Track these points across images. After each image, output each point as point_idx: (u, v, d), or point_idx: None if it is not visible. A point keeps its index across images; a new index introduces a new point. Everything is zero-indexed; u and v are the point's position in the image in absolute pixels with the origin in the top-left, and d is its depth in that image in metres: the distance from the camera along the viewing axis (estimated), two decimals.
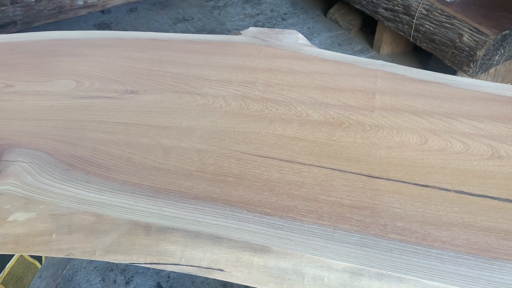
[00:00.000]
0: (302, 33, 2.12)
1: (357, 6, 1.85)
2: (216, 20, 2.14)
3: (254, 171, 0.60)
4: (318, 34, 2.05)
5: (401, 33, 1.68)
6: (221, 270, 0.52)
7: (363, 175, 0.60)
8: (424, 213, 0.55)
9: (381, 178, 0.59)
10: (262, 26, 2.12)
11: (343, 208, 0.55)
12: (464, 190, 0.57)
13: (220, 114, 0.69)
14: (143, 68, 0.79)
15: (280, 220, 0.54)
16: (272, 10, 2.23)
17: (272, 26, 2.11)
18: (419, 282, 0.48)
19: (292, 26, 2.11)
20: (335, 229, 0.53)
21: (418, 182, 0.58)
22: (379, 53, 1.91)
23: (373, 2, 1.74)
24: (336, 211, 0.55)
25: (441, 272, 0.48)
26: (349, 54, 1.89)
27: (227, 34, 2.08)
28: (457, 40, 1.44)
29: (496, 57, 1.44)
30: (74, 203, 0.55)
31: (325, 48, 1.94)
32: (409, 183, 0.58)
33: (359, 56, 1.90)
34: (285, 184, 0.58)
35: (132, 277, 1.05)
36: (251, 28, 0.91)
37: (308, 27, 2.11)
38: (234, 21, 2.15)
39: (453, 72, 1.50)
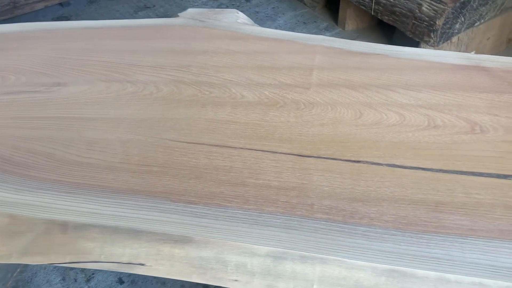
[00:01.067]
0: (266, 14, 2.07)
1: None
2: (179, 6, 2.09)
3: (181, 158, 0.57)
4: (283, 13, 2.01)
5: (363, 7, 1.64)
6: (142, 264, 0.50)
7: (294, 154, 0.57)
8: (353, 190, 0.53)
9: (311, 157, 0.57)
10: (227, 7, 2.07)
11: (270, 190, 0.53)
12: (397, 163, 0.56)
13: (150, 101, 0.66)
14: (74, 58, 0.76)
15: (204, 208, 0.51)
16: None
17: (236, 8, 2.06)
18: (342, 262, 0.46)
19: (256, 6, 2.06)
20: (260, 213, 0.51)
21: (349, 158, 0.56)
22: (344, 29, 1.87)
23: None
24: (262, 194, 0.53)
25: (366, 250, 0.47)
26: (314, 32, 1.86)
27: None
28: (416, 11, 1.41)
29: (457, 26, 1.42)
30: None
31: (290, 28, 1.90)
32: (340, 159, 0.56)
33: (324, 34, 1.86)
34: (213, 170, 0.56)
35: (93, 274, 1.02)
36: (189, 10, 0.88)
37: (273, 7, 2.07)
38: (197, 5, 2.10)
39: (416, 44, 1.48)
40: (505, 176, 0.53)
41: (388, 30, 1.81)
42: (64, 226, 0.50)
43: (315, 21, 1.94)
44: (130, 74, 0.72)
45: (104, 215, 0.51)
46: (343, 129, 0.61)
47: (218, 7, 2.09)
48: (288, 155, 0.57)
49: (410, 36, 1.48)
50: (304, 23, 1.94)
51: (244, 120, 0.63)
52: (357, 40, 1.62)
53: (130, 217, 0.51)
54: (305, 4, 2.04)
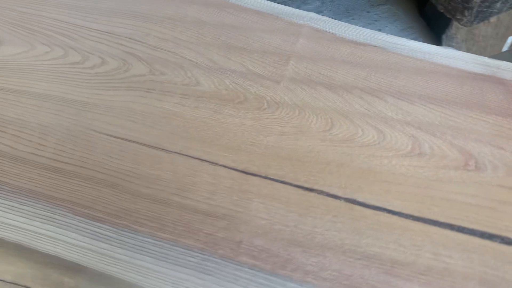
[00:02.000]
0: None
1: None
2: None
3: (102, 158, 0.48)
4: None
5: None
6: (28, 287, 0.42)
7: (237, 170, 0.47)
8: (296, 229, 0.42)
9: (257, 176, 0.46)
10: None
11: (196, 215, 0.43)
12: (358, 199, 0.45)
13: (88, 77, 0.56)
14: (17, 10, 0.65)
15: (109, 229, 0.42)
16: None
17: None
18: None
19: None
20: (173, 245, 0.41)
21: (302, 184, 0.46)
22: None
23: None
24: (184, 220, 0.43)
25: None
26: None
27: None
28: None
29: (498, 4, 1.22)
30: None
31: None
32: (291, 184, 0.46)
33: None
34: (135, 177, 0.46)
35: None
36: None
37: None
38: None
39: (448, 22, 1.30)
40: (491, 237, 0.42)
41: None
42: None
43: None
44: (77, 38, 0.61)
45: None
46: (306, 142, 0.49)
47: None
48: (230, 170, 0.47)
49: (441, 10, 1.29)
50: None
51: (190, 115, 0.52)
52: (381, 7, 1.45)
53: (21, 228, 0.42)
54: None
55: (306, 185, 0.46)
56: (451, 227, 0.43)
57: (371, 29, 1.46)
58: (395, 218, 0.43)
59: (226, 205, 0.44)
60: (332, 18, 1.43)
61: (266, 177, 0.46)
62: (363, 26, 1.40)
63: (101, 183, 0.46)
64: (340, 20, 1.44)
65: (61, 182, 0.46)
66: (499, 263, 0.40)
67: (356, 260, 0.40)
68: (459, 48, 1.37)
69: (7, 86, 0.55)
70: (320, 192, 0.45)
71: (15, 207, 0.44)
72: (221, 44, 0.61)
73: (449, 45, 1.38)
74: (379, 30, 1.53)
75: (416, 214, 0.44)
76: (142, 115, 0.52)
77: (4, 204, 0.44)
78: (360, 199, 0.45)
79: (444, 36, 1.36)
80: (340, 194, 0.45)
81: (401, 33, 1.50)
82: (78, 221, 0.43)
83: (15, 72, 0.56)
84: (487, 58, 0.58)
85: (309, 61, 0.58)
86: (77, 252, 0.41)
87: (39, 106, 0.52)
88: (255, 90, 0.55)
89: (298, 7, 1.60)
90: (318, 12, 1.60)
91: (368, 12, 1.59)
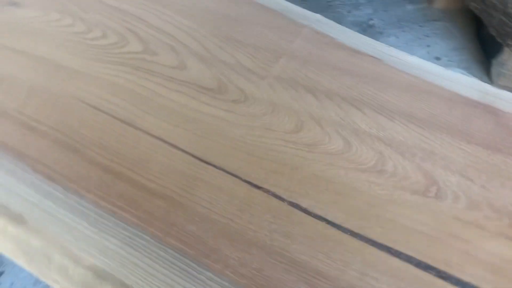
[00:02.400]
0: None
1: None
2: None
3: (72, 121, 0.50)
4: None
5: None
6: None
7: (194, 156, 0.48)
8: (231, 222, 0.43)
9: (211, 165, 0.47)
10: None
11: (141, 192, 0.45)
12: (302, 205, 0.44)
13: (85, 48, 0.59)
14: None
15: (59, 190, 0.45)
16: None
17: None
18: None
19: None
20: (111, 215, 0.43)
21: (251, 180, 0.46)
22: (431, 4, 1.61)
23: None
24: (129, 194, 0.45)
25: None
26: (397, 1, 1.62)
27: None
28: (509, 5, 1.15)
29: None
30: None
31: None
32: (241, 178, 0.46)
33: (405, 5, 1.62)
34: (98, 147, 0.48)
35: None
36: None
37: None
38: None
39: (499, 47, 1.22)
40: (427, 268, 0.40)
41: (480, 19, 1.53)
42: None
43: None
44: (88, 11, 0.64)
45: None
46: (270, 140, 0.49)
47: None
48: (187, 155, 0.48)
49: (493, 34, 1.22)
50: None
51: (168, 98, 0.53)
52: (437, 22, 1.39)
53: (6, 187, 0.46)
54: None
55: (255, 182, 0.46)
56: (388, 250, 0.41)
57: (419, 44, 1.41)
58: (333, 230, 0.42)
59: (172, 188, 0.45)
60: (381, 27, 1.40)
61: (219, 168, 0.47)
62: (411, 40, 1.36)
63: (66, 147, 0.48)
64: (388, 30, 1.41)
65: (31, 140, 0.49)
66: None
67: (280, 263, 0.40)
68: (509, 76, 1.29)
69: (13, 45, 0.59)
70: (267, 191, 0.45)
71: None
72: (220, 34, 0.61)
73: (499, 72, 1.29)
74: (428, 46, 1.47)
75: (356, 230, 0.42)
76: (123, 91, 0.54)
77: None
78: (303, 205, 0.44)
79: (494, 61, 1.28)
80: (285, 196, 0.45)
81: (451, 52, 1.43)
82: (35, 178, 0.46)
83: (25, 34, 0.60)
84: (489, 85, 0.55)
85: (300, 62, 0.58)
86: (25, 205, 0.44)
87: (35, 69, 0.56)
88: (238, 82, 0.55)
89: (348, 12, 1.58)
90: (368, 20, 1.56)
91: (420, 26, 1.53)
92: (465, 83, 0.55)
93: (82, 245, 0.41)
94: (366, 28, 1.53)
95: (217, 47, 0.59)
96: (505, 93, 0.54)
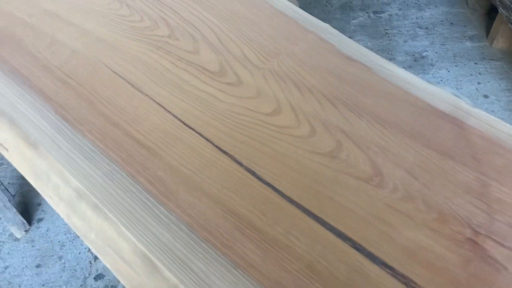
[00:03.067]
0: (419, 3, 1.85)
1: None
2: None
3: (95, 83, 0.62)
4: (435, 6, 1.78)
5: None
6: (7, 149, 0.57)
7: (180, 120, 0.57)
8: (193, 174, 0.51)
9: (192, 129, 0.56)
10: None
11: (130, 140, 0.55)
12: (256, 172, 0.51)
13: (124, 28, 0.71)
14: None
15: (67, 127, 0.56)
16: None
17: None
18: None
19: None
20: (101, 152, 0.53)
21: (221, 146, 0.54)
22: (491, 45, 1.59)
23: None
24: (120, 140, 0.55)
25: None
26: (457, 37, 1.62)
27: None
28: None
29: None
30: None
31: (430, 23, 1.69)
32: (213, 144, 0.54)
33: (465, 42, 1.61)
34: (109, 103, 0.59)
35: None
36: None
37: None
38: None
39: None
40: (346, 238, 0.45)
41: None
42: None
43: (464, 25, 1.69)
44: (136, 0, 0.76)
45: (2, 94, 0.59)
46: (246, 118, 0.57)
47: None
48: (175, 119, 0.57)
49: None
50: (451, 23, 1.70)
51: (175, 73, 0.63)
52: (493, 62, 1.39)
53: (13, 103, 0.58)
54: (467, 3, 1.78)
55: (223, 148, 0.54)
56: (317, 219, 0.47)
57: (469, 80, 1.41)
58: (275, 195, 0.49)
59: (156, 142, 0.54)
60: (434, 59, 1.44)
61: (197, 132, 0.55)
62: (462, 75, 1.38)
63: (84, 98, 0.60)
64: (441, 63, 1.43)
65: (61, 90, 0.61)
66: (335, 260, 0.44)
67: (222, 212, 0.47)
68: None
69: (68, 19, 0.72)
70: (230, 156, 0.53)
71: (20, 93, 0.60)
72: (235, 30, 0.71)
73: None
74: (479, 83, 1.46)
75: (295, 199, 0.49)
76: (142, 64, 0.65)
77: (12, 83, 0.60)
78: (258, 172, 0.51)
79: None
80: (244, 163, 0.52)
81: (501, 92, 1.41)
82: (54, 117, 0.57)
83: (79, 11, 0.73)
84: (464, 103, 0.59)
85: (296, 61, 0.65)
86: (40, 136, 0.55)
87: (79, 39, 0.69)
88: (237, 70, 0.64)
89: (404, 42, 1.61)
90: (422, 51, 1.58)
91: (475, 63, 1.52)
92: (440, 97, 0.59)
93: (74, 172, 0.51)
94: (418, 59, 1.55)
95: (229, 40, 0.69)
96: (478, 111, 0.57)
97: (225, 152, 0.53)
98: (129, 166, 0.52)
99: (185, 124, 0.56)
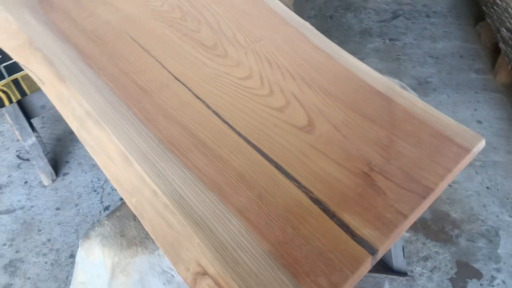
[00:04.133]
0: (433, 32, 1.98)
1: (488, 20, 1.66)
2: None
3: (118, 46, 0.81)
4: (449, 39, 1.91)
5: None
6: (43, 83, 0.76)
7: (175, 77, 0.74)
8: (172, 110, 0.68)
9: (182, 84, 0.73)
10: (403, 16, 2.08)
11: (137, 89, 0.72)
12: (219, 113, 0.67)
13: (159, 16, 0.90)
14: None
15: (93, 75, 0.74)
16: (424, 5, 2.15)
17: (412, 18, 2.05)
18: None
19: (431, 25, 2.01)
20: (111, 91, 0.71)
21: (198, 95, 0.71)
22: (494, 78, 1.70)
23: (501, 19, 1.55)
24: (130, 87, 0.72)
25: None
26: (464, 68, 1.74)
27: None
28: None
29: None
30: None
31: (441, 55, 1.82)
32: (194, 94, 0.71)
33: (470, 74, 1.72)
34: (126, 62, 0.78)
35: None
36: None
37: (445, 31, 1.97)
38: (379, 2, 2.16)
39: None
40: (270, 160, 0.60)
41: None
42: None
43: (473, 59, 1.81)
44: None
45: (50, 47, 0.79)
46: (224, 79, 0.74)
47: (394, 11, 2.11)
48: (171, 76, 0.74)
49: None
50: (461, 56, 1.82)
51: (180, 43, 0.81)
52: (493, 93, 1.50)
53: (54, 51, 0.78)
54: (479, 40, 1.90)
55: (200, 96, 0.70)
56: (254, 147, 0.62)
57: (467, 106, 1.53)
58: (229, 129, 0.65)
59: (151, 87, 0.72)
60: (438, 85, 1.59)
61: (183, 84, 0.72)
62: (461, 101, 1.52)
63: (106, 54, 0.78)
64: (443, 89, 1.56)
65: (90, 46, 0.80)
66: (260, 173, 0.59)
67: (184, 132, 0.64)
68: None
69: (115, 4, 0.92)
70: (203, 102, 0.69)
71: (66, 51, 0.79)
72: (233, 19, 0.88)
73: None
74: (475, 110, 1.56)
75: (243, 133, 0.64)
76: (155, 37, 0.83)
77: (60, 44, 0.80)
78: (221, 114, 0.67)
79: None
80: (212, 107, 0.68)
81: (494, 120, 1.51)
82: (82, 62, 0.76)
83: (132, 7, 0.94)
84: (398, 87, 0.73)
85: (275, 46, 0.81)
86: (68, 73, 0.74)
87: (110, 13, 0.88)
88: (226, 46, 0.81)
89: (413, 67, 1.74)
90: (427, 77, 1.71)
91: (476, 92, 1.63)
92: (380, 80, 0.73)
93: (87, 98, 0.69)
94: (422, 83, 1.67)
95: (226, 25, 0.86)
96: (407, 93, 0.71)
97: (200, 99, 0.70)
98: (127, 99, 0.70)
99: (176, 78, 0.74)
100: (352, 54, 0.80)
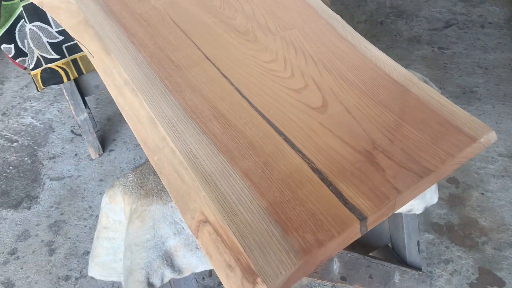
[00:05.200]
0: (487, 46, 1.93)
1: None
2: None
3: (157, 25, 0.89)
4: (502, 51, 1.86)
5: None
6: (93, 56, 0.86)
7: (203, 53, 0.81)
8: (194, 80, 0.75)
9: (208, 60, 0.80)
10: (456, 25, 2.05)
11: (169, 62, 0.80)
12: (234, 83, 0.73)
13: (208, 9, 0.98)
14: None
15: (123, 37, 0.83)
16: (480, 16, 2.10)
17: (465, 28, 2.02)
18: None
19: (484, 35, 1.97)
20: (138, 51, 0.79)
21: (219, 68, 0.77)
22: None
23: None
24: (159, 55, 0.80)
25: None
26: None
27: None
28: None
29: None
30: None
31: (492, 65, 1.78)
32: (215, 66, 0.78)
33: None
34: (163, 39, 0.86)
35: None
36: None
37: (499, 42, 1.93)
38: (432, 11, 2.14)
39: None
40: (275, 129, 0.65)
41: None
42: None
43: None
44: None
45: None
46: (250, 61, 0.80)
47: (447, 20, 2.08)
48: (199, 52, 0.82)
49: None
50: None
51: (215, 28, 0.88)
52: None
53: (104, 29, 0.87)
54: None
55: (225, 74, 0.77)
56: (268, 121, 0.67)
57: (511, 118, 1.49)
58: (247, 104, 0.70)
59: (183, 63, 0.79)
60: (483, 95, 1.61)
61: (212, 63, 0.79)
62: (506, 113, 1.51)
63: (148, 33, 0.87)
64: (489, 99, 1.56)
65: (135, 25, 0.89)
66: (269, 143, 0.64)
67: (208, 106, 0.70)
68: None
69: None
70: (229, 80, 0.75)
71: (108, 21, 0.89)
72: (269, 10, 0.94)
73: None
74: None
75: (260, 109, 0.70)
76: (195, 20, 0.91)
77: (110, 23, 0.89)
78: (242, 91, 0.73)
79: None
80: (235, 84, 0.74)
81: None
82: (126, 39, 0.85)
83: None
84: (416, 78, 0.76)
85: (303, 35, 0.86)
86: (112, 47, 0.83)
87: (164, 1, 0.97)
88: (257, 33, 0.87)
89: (459, 76, 1.72)
90: (473, 86, 1.68)
91: None
92: (400, 71, 0.76)
93: (128, 70, 0.78)
94: (466, 92, 1.64)
95: (260, 14, 0.92)
96: (424, 85, 0.74)
97: (226, 77, 0.76)
98: (160, 72, 0.77)
99: (206, 57, 0.81)
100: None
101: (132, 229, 0.62)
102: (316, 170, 0.60)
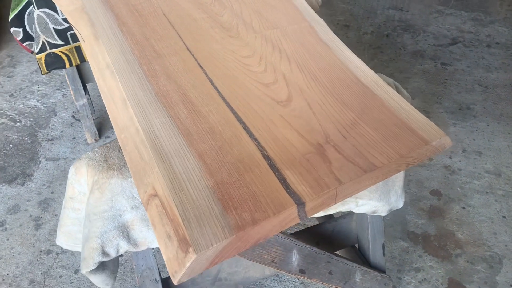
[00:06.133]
0: (490, 66, 1.93)
1: None
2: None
3: (150, 17, 0.94)
4: (505, 71, 1.86)
5: None
6: (84, 40, 0.91)
7: (188, 49, 0.86)
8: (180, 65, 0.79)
9: (191, 53, 0.84)
10: (462, 43, 2.06)
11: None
12: (208, 74, 0.77)
13: (204, 7, 1.03)
14: None
15: (119, 33, 0.88)
16: (488, 36, 2.11)
17: (471, 46, 2.03)
18: None
19: (489, 55, 1.97)
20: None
21: (194, 55, 0.81)
22: None
23: None
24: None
25: None
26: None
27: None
28: None
29: None
30: None
31: (492, 84, 1.78)
32: (190, 50, 0.82)
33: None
34: (153, 32, 0.90)
35: None
36: None
37: (503, 62, 1.93)
38: (440, 27, 2.15)
39: None
40: (239, 120, 0.69)
41: None
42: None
43: None
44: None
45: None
46: (229, 55, 0.84)
47: (453, 39, 2.09)
48: (182, 45, 0.86)
49: None
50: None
51: (199, 22, 0.93)
52: None
53: (97, 15, 0.92)
54: None
55: (202, 65, 0.81)
56: (232, 110, 0.71)
57: (504, 137, 1.52)
58: (216, 93, 0.74)
59: (164, 52, 0.83)
60: (479, 112, 1.63)
61: (192, 54, 0.83)
62: (500, 131, 1.52)
63: (137, 23, 0.92)
64: (484, 117, 1.57)
65: (126, 15, 0.94)
66: (228, 129, 0.67)
67: (178, 92, 0.74)
68: None
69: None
70: (203, 71, 0.80)
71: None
72: (256, 10, 0.98)
73: None
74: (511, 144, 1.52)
75: (227, 98, 0.73)
76: (184, 14, 0.95)
77: (104, 11, 0.95)
78: (214, 83, 0.77)
79: None
80: (209, 75, 0.78)
81: None
82: (114, 26, 0.90)
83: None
84: (382, 82, 0.79)
85: (284, 34, 0.90)
86: (103, 33, 0.87)
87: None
88: (240, 30, 0.91)
89: (458, 92, 1.73)
90: (470, 104, 1.69)
91: None
92: (368, 74, 0.79)
93: (111, 55, 0.82)
94: (463, 108, 1.65)
95: (247, 15, 0.96)
96: (390, 89, 0.77)
97: (202, 68, 0.80)
98: (141, 59, 0.82)
99: (187, 48, 0.85)
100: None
101: (92, 199, 0.66)
102: (266, 157, 0.63)
